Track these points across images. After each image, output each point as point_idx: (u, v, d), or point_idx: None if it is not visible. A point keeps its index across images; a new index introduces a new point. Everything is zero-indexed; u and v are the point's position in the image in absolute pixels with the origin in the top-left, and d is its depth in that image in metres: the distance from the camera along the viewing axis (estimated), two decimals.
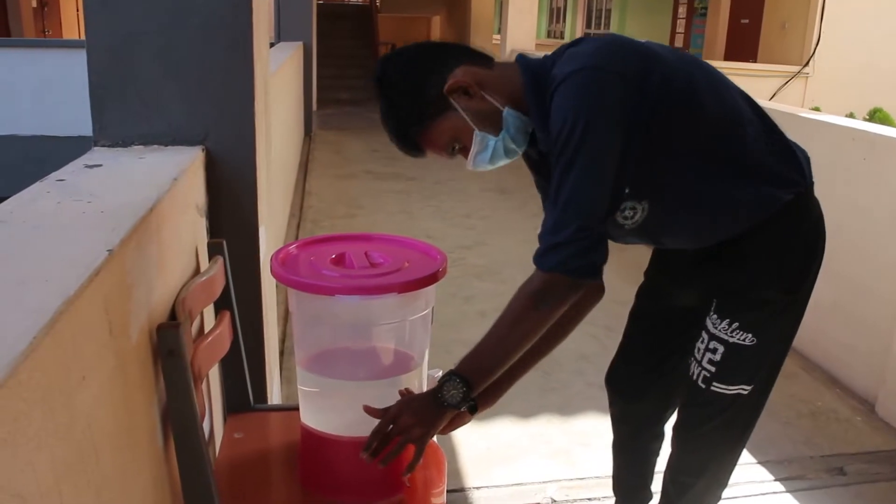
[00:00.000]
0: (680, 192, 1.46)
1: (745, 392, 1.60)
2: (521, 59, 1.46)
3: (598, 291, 1.54)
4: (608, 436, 1.97)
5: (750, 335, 1.54)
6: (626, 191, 1.41)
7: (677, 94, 1.39)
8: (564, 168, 1.32)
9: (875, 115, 10.50)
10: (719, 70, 1.51)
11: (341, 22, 14.41)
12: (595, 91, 1.31)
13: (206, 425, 1.33)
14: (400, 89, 1.41)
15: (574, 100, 1.31)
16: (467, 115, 1.40)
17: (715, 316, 1.57)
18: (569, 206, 1.32)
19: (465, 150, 1.44)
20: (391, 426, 1.33)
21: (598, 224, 1.34)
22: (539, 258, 1.35)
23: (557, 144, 1.32)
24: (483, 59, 1.46)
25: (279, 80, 4.88)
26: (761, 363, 1.59)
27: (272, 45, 7.43)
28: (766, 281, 1.53)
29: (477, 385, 1.36)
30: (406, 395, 1.40)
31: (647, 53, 1.40)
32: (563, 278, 1.33)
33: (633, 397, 1.85)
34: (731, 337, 1.55)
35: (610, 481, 2.05)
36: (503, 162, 1.45)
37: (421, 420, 1.33)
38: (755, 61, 12.09)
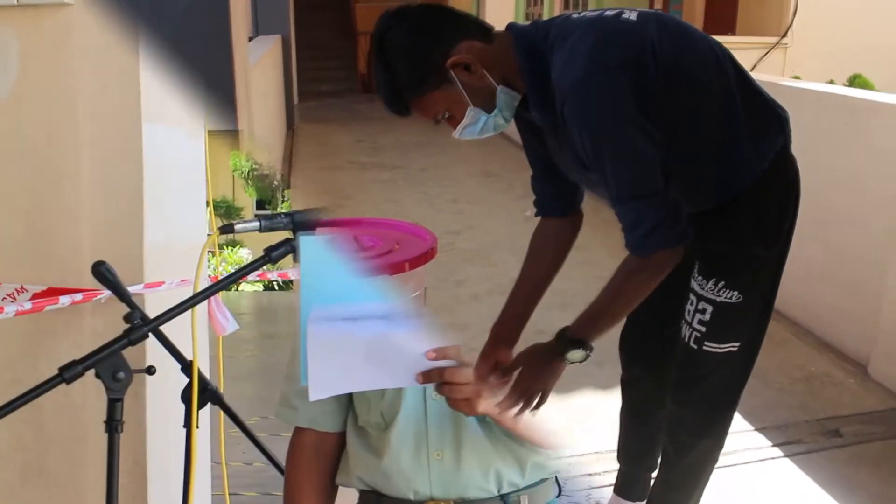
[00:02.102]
0: (670, 151, 1.48)
1: (735, 349, 1.64)
2: (515, 32, 1.47)
3: None
4: (605, 412, 1.98)
5: (736, 293, 1.57)
6: None
7: (666, 66, 1.42)
8: (611, 172, 1.39)
9: (855, 81, 10.53)
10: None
11: (320, 13, 14.26)
12: (604, 97, 1.37)
13: None
14: (400, 54, 1.39)
15: (586, 113, 1.37)
16: (465, 90, 1.40)
17: (700, 277, 1.61)
18: (635, 196, 1.39)
19: (452, 120, 1.44)
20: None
21: (664, 191, 1.39)
22: (639, 248, 1.41)
23: (587, 154, 1.41)
24: (484, 32, 1.45)
25: (259, 74, 4.86)
26: (748, 320, 1.64)
27: (250, 39, 7.36)
28: (747, 238, 1.57)
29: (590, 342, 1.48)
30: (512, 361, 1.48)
31: (635, 31, 1.43)
32: (669, 252, 1.41)
33: (642, 362, 1.89)
34: (719, 296, 1.58)
35: (608, 456, 2.06)
36: (490, 134, 1.48)
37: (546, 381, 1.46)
38: (734, 34, 12.04)
